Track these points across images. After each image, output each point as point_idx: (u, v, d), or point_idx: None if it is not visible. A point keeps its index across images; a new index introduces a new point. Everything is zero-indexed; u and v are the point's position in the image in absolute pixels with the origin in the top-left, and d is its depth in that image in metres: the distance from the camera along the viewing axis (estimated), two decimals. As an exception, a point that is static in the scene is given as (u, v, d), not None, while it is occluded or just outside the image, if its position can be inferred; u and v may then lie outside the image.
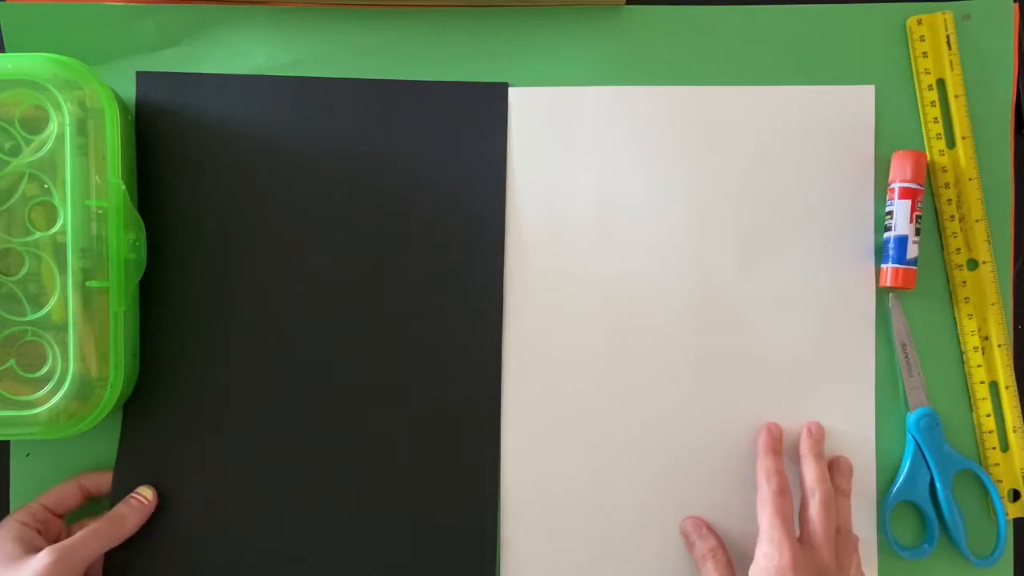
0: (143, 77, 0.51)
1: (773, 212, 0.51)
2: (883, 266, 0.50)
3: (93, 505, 0.49)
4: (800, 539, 0.44)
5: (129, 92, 0.50)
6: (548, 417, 0.50)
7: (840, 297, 0.50)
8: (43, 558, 0.42)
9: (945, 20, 0.50)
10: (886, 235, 0.49)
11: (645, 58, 0.51)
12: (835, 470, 0.48)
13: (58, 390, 0.43)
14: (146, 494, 0.48)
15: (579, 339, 0.50)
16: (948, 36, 0.50)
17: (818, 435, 0.48)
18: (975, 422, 0.50)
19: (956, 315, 0.50)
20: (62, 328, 0.44)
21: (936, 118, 0.50)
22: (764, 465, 0.46)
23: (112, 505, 0.48)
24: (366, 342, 0.50)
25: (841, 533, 0.45)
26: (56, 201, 0.43)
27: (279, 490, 0.49)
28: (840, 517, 0.46)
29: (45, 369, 0.44)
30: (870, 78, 0.51)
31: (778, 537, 0.43)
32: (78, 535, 0.45)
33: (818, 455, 0.47)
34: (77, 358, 0.43)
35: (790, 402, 0.50)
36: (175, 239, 0.50)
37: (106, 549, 0.46)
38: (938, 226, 0.51)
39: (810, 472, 0.46)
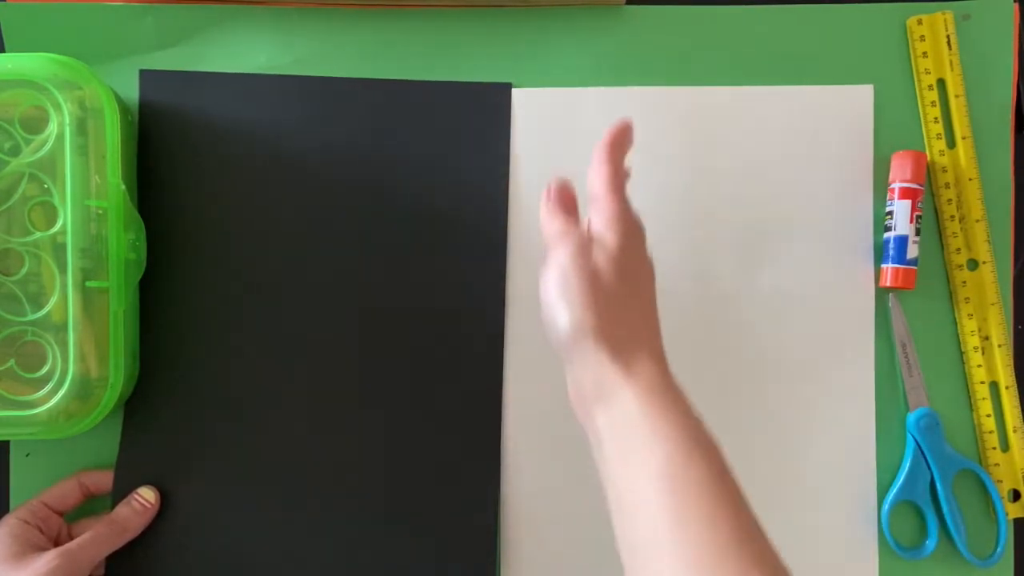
0: (147, 75, 0.50)
1: (773, 212, 0.50)
2: (883, 266, 0.50)
3: (93, 503, 0.49)
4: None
5: (129, 92, 0.50)
6: (550, 416, 0.50)
7: (840, 297, 0.50)
8: (49, 561, 0.43)
9: (945, 20, 0.50)
10: (886, 235, 0.49)
11: (645, 58, 0.51)
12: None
13: (58, 390, 0.43)
14: (148, 497, 0.48)
15: (579, 339, 0.50)
16: (948, 36, 0.50)
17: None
18: (975, 422, 0.50)
19: (956, 315, 0.50)
20: (62, 328, 0.43)
21: (936, 118, 0.50)
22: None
23: (114, 505, 0.48)
24: (367, 342, 0.50)
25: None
26: (56, 201, 0.43)
27: (279, 489, 0.49)
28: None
29: (45, 369, 0.44)
30: (870, 78, 0.51)
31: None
32: (82, 539, 0.45)
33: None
34: (77, 358, 0.43)
35: (790, 402, 0.50)
36: (175, 239, 0.50)
37: (109, 552, 0.46)
38: (938, 226, 0.51)
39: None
